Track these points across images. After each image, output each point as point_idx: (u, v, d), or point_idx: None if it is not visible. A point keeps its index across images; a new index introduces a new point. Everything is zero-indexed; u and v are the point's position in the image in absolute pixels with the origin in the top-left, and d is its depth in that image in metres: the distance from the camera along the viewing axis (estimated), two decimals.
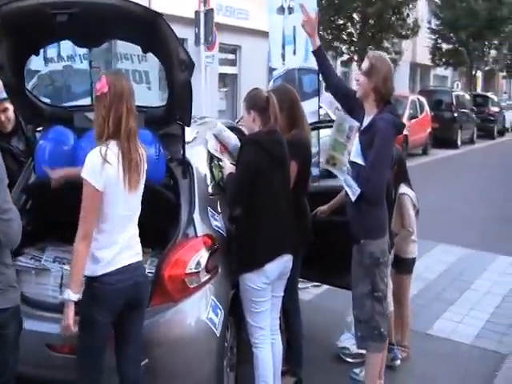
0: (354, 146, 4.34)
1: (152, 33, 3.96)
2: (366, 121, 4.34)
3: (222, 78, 21.76)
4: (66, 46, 5.45)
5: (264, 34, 22.64)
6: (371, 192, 4.26)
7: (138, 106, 3.75)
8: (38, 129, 4.88)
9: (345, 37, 22.69)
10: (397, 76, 29.61)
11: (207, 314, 4.01)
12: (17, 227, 3.16)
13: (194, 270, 4.00)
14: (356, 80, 4.38)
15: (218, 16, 19.05)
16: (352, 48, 22.67)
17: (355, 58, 22.78)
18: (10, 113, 4.85)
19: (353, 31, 22.54)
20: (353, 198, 4.31)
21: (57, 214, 4.44)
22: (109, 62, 8.37)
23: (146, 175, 3.65)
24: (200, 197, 4.39)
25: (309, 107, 7.19)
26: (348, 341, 5.64)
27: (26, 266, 4.29)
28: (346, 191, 4.47)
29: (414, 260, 5.54)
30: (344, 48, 22.79)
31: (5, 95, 4.80)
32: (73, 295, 3.44)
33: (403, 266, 5.43)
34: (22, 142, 4.97)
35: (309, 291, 6.93)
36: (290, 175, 4.52)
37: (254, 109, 4.35)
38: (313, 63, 6.71)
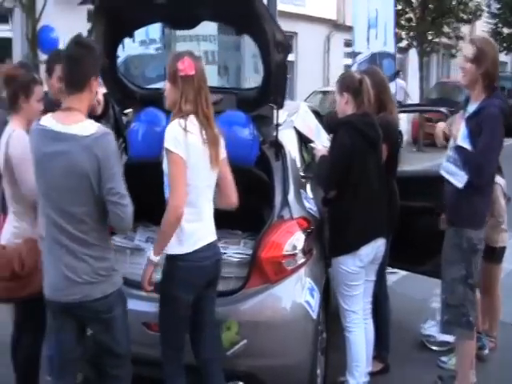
0: (461, 131, 4.28)
1: (248, 14, 3.99)
2: (473, 106, 4.28)
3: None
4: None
5: (320, 21, 22.78)
6: (481, 178, 4.22)
7: (230, 88, 3.78)
8: (126, 111, 4.97)
9: (403, 22, 22.37)
10: (455, 62, 29.21)
11: (304, 297, 4.04)
12: (131, 211, 3.27)
13: (290, 252, 4.03)
14: (462, 68, 4.30)
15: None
16: (411, 33, 22.29)
17: (414, 43, 22.42)
18: (100, 95, 4.91)
19: (412, 16, 22.16)
20: (460, 185, 4.24)
21: (147, 195, 4.51)
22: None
23: (223, 156, 3.69)
24: (293, 179, 4.41)
25: None
26: (432, 328, 5.61)
27: (121, 246, 4.38)
28: (446, 179, 4.40)
29: (503, 249, 5.44)
30: (403, 33, 22.45)
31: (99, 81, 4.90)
32: (154, 257, 3.55)
33: (493, 255, 5.34)
34: (110, 124, 5.03)
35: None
36: (382, 158, 4.51)
37: (347, 91, 4.35)
38: (391, 47, 6.68)
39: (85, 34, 3.73)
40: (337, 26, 23.66)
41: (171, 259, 3.60)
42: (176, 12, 4.18)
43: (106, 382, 3.56)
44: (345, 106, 4.38)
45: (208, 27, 4.89)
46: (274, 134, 4.42)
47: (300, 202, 4.36)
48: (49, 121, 3.28)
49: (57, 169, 3.20)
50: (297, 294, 4.03)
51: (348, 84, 4.38)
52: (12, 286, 3.82)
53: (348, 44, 25.26)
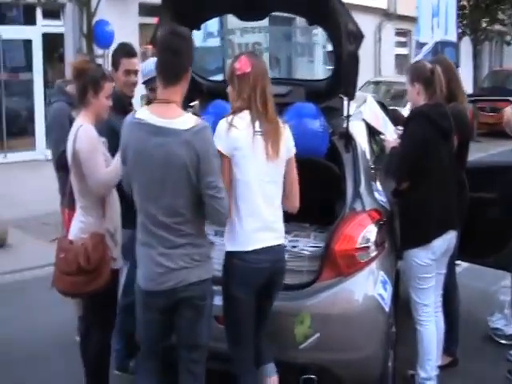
0: None
1: (321, 4, 3.97)
2: None
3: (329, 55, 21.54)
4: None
5: (371, 10, 22.50)
6: None
7: (299, 80, 3.76)
8: (191, 104, 4.99)
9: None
10: (508, 50, 28.64)
11: (377, 290, 4.01)
12: (227, 206, 3.30)
13: (364, 245, 4.01)
14: None
15: None
16: (464, 21, 21.95)
17: (467, 31, 22.07)
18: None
19: (465, 3, 21.80)
20: None
21: None
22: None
23: (289, 152, 3.62)
24: (364, 171, 4.38)
25: None
26: (499, 321, 5.54)
27: None
28: None
29: None
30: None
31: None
32: None
33: None
34: None
35: None
36: (453, 149, 4.45)
37: (418, 81, 4.31)
38: (452, 36, 6.56)
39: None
40: (388, 15, 23.45)
41: (228, 256, 3.59)
42: (245, 3, 4.17)
43: (181, 376, 3.54)
44: (416, 97, 4.35)
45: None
46: (344, 125, 4.41)
47: (371, 193, 4.34)
48: (145, 114, 3.27)
49: (156, 162, 3.21)
50: (370, 286, 4.01)
51: (419, 74, 4.34)
52: (78, 281, 3.85)
53: (399, 33, 25.02)
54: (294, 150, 3.63)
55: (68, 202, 4.46)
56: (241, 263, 3.52)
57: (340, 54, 4.16)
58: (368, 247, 4.02)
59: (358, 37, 4.00)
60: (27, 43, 13.40)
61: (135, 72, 4.72)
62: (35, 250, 8.08)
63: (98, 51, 9.12)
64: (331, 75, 4.45)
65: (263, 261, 3.52)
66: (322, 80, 4.61)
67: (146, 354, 3.58)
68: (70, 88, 5.05)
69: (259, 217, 3.51)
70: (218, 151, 3.40)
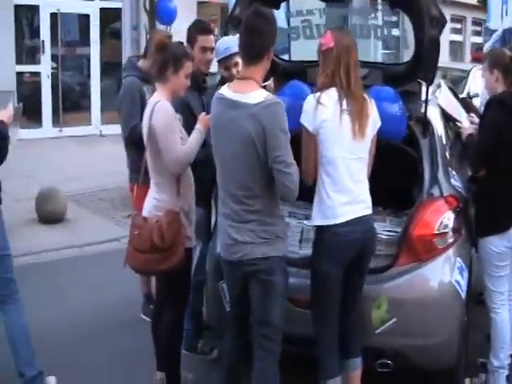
0: None
1: None
2: None
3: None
4: None
5: None
6: None
7: (376, 63, 3.75)
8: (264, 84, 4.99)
9: None
10: None
11: (454, 276, 3.99)
12: (297, 180, 3.33)
13: (442, 231, 3.99)
14: None
15: None
16: None
17: None
18: (240, 67, 4.97)
19: None
20: None
21: None
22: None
23: (375, 128, 3.68)
24: (441, 156, 4.35)
25: None
26: None
27: None
28: None
29: None
30: None
31: (237, 49, 4.94)
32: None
33: None
34: None
35: None
36: None
37: (497, 68, 4.27)
38: None
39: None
40: (444, 1, 23.01)
41: (317, 231, 3.67)
42: None
43: (255, 355, 3.61)
44: (495, 84, 4.31)
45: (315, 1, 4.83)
46: (421, 110, 4.37)
47: (448, 179, 4.30)
48: (226, 90, 3.45)
49: (228, 136, 3.38)
50: (447, 273, 3.99)
51: (498, 61, 4.30)
52: (151, 259, 3.88)
53: (454, 19, 24.53)
54: (378, 125, 3.69)
55: (143, 178, 4.56)
56: (332, 236, 3.58)
57: (422, 39, 4.12)
58: (446, 233, 4.00)
59: (440, 22, 3.96)
60: (84, 18, 13.54)
61: (211, 49, 4.73)
62: (93, 226, 8.25)
63: (160, 27, 9.12)
64: (411, 59, 4.41)
65: (354, 232, 3.58)
66: (400, 64, 4.57)
67: (232, 320, 3.78)
68: (142, 63, 5.17)
69: (346, 191, 3.58)
70: (304, 127, 3.51)
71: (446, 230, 4.01)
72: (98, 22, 13.55)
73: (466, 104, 5.45)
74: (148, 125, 3.90)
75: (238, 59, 4.91)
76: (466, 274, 4.07)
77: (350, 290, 3.74)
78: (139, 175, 4.99)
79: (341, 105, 3.51)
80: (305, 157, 3.59)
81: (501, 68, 4.25)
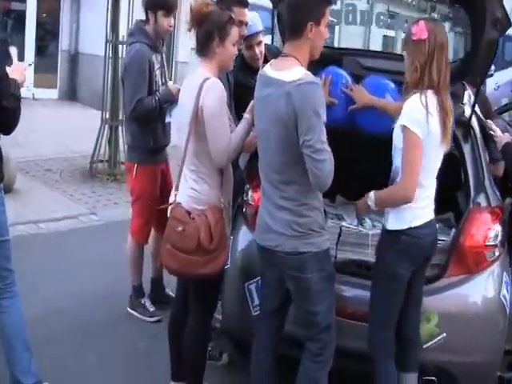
0: None
1: None
2: None
3: None
4: None
5: None
6: None
7: None
8: None
9: None
10: None
11: (502, 291, 3.91)
12: (329, 169, 3.12)
13: (492, 243, 3.89)
14: None
15: None
16: None
17: None
18: (263, 47, 4.71)
19: None
20: None
21: None
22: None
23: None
24: (486, 163, 4.25)
25: (507, 76, 6.91)
26: None
27: None
28: None
29: None
30: None
31: (261, 27, 4.68)
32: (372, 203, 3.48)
33: None
34: None
35: None
36: None
37: None
38: None
39: None
40: None
41: (391, 233, 3.52)
42: None
43: (304, 358, 3.46)
44: None
45: None
46: (465, 113, 4.25)
47: (493, 188, 4.21)
48: (267, 67, 3.33)
49: (264, 113, 3.25)
50: (496, 287, 3.90)
51: None
52: (194, 261, 3.52)
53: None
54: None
55: (145, 156, 4.64)
56: (406, 238, 3.46)
57: (479, 40, 3.97)
58: (495, 245, 3.91)
59: (504, 24, 3.82)
60: None
61: (246, 24, 4.43)
62: (47, 200, 7.75)
63: None
64: (462, 60, 4.28)
65: (425, 235, 3.50)
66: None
67: (262, 315, 3.64)
68: (150, 29, 4.77)
69: (428, 196, 3.52)
70: (414, 134, 3.29)
71: (495, 243, 3.91)
72: None
73: (487, 110, 5.38)
74: (195, 104, 3.51)
75: (262, 38, 4.67)
76: (510, 289, 3.99)
77: (411, 290, 3.61)
78: (140, 154, 4.72)
79: (437, 109, 3.34)
80: (410, 170, 3.33)
81: None
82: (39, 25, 13.04)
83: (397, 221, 3.49)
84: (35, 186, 8.18)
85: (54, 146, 9.28)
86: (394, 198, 3.45)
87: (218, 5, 4.00)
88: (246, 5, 4.45)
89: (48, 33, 13.41)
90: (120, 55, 8.60)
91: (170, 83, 4.85)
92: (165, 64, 4.94)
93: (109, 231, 6.90)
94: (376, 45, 21.23)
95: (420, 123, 3.30)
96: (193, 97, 3.53)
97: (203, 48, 3.63)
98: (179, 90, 4.42)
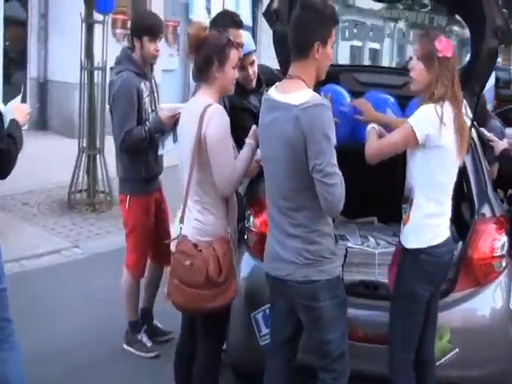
0: None
1: None
2: None
3: None
4: None
5: None
6: None
7: None
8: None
9: None
10: None
11: (511, 300, 3.87)
12: (340, 193, 3.04)
13: (499, 254, 3.84)
14: None
15: None
16: None
17: None
18: (256, 67, 4.58)
19: None
20: None
21: None
22: None
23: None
24: (487, 173, 4.20)
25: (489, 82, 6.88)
26: None
27: None
28: None
29: None
30: None
31: (253, 47, 4.56)
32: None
33: None
34: (258, 99, 4.68)
35: None
36: None
37: None
38: None
39: None
40: None
41: (411, 252, 3.47)
42: None
43: None
44: None
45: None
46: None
47: (496, 197, 4.17)
48: (272, 90, 3.23)
49: (270, 139, 3.15)
50: (505, 298, 3.86)
51: None
52: (203, 295, 3.41)
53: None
54: None
55: (137, 186, 4.48)
56: (426, 257, 3.42)
57: (479, 49, 3.93)
58: (503, 256, 3.87)
59: (505, 32, 3.78)
60: None
61: (242, 46, 4.25)
62: (26, 235, 7.55)
63: (98, 17, 8.51)
64: (461, 69, 4.21)
65: (444, 253, 3.47)
66: None
67: (272, 347, 3.52)
68: (137, 56, 4.62)
69: (446, 213, 3.49)
70: (413, 133, 3.31)
71: (502, 253, 3.87)
72: (2, 5, 12.52)
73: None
74: (198, 132, 3.40)
75: (255, 57, 4.56)
76: None
77: (427, 311, 3.55)
78: (132, 184, 4.61)
79: (454, 122, 3.34)
80: (389, 142, 3.44)
81: None
82: (6, 53, 12.81)
83: (416, 239, 3.44)
84: (13, 221, 7.94)
85: (28, 178, 9.03)
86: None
87: (212, 27, 3.92)
88: (241, 25, 4.33)
89: (15, 61, 13.17)
90: (96, 81, 8.44)
91: (162, 108, 4.67)
92: (155, 90, 4.79)
93: (94, 264, 6.73)
94: (344, 56, 21.41)
95: (434, 131, 3.29)
96: (194, 125, 3.42)
97: (202, 73, 3.53)
98: (170, 117, 4.35)
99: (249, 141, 3.52)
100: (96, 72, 8.45)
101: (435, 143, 3.30)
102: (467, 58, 4.30)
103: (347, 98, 4.14)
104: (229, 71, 3.52)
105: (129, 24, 14.20)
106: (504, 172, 4.41)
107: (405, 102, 3.97)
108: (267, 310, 3.72)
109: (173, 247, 3.60)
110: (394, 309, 3.51)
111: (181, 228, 3.53)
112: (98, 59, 8.44)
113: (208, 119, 3.38)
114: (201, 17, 7.22)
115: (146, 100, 4.62)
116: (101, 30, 8.45)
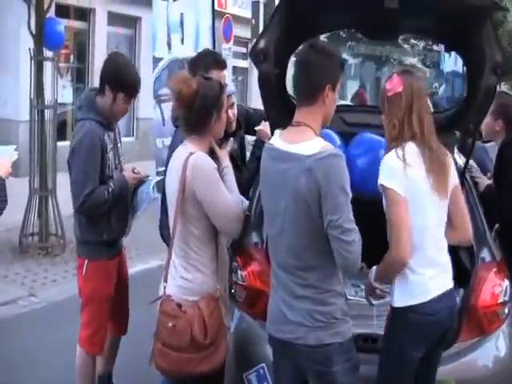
0: None
1: (467, 31, 3.67)
2: None
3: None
4: None
5: None
6: None
7: None
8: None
9: None
10: None
11: None
12: (358, 251, 2.86)
13: (503, 300, 3.72)
14: None
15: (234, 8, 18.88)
16: None
17: None
18: (235, 109, 4.40)
19: None
20: None
21: None
22: None
23: (453, 178, 3.26)
24: (483, 213, 4.09)
25: None
26: None
27: None
28: None
29: None
30: None
31: (233, 88, 4.40)
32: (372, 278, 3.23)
33: None
34: (236, 142, 4.50)
35: None
36: None
37: (502, 118, 4.36)
38: None
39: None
40: None
41: (397, 311, 3.22)
42: (371, 19, 3.79)
43: None
44: (495, 131, 4.56)
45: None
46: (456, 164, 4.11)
47: (493, 240, 4.07)
48: (276, 139, 3.05)
49: (276, 192, 2.95)
50: (509, 345, 3.74)
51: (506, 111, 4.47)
52: (189, 358, 3.23)
53: None
54: (456, 178, 3.30)
55: (99, 250, 4.05)
56: (415, 316, 3.15)
57: (476, 87, 3.84)
58: (506, 302, 3.75)
59: (503, 70, 3.72)
60: None
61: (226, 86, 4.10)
62: None
63: (47, 53, 8.27)
64: (456, 108, 4.16)
65: (439, 309, 3.17)
66: (438, 112, 4.28)
67: None
68: (104, 104, 4.07)
69: (434, 263, 3.19)
70: (393, 192, 3.05)
71: (506, 299, 3.75)
72: None
73: None
74: (181, 186, 3.24)
75: (234, 100, 4.41)
76: None
77: (424, 373, 3.33)
78: (91, 249, 4.16)
79: (424, 162, 3.11)
80: (397, 230, 3.04)
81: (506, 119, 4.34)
82: None
83: (402, 296, 3.19)
84: None
85: None
86: (389, 264, 3.12)
87: (192, 68, 3.74)
88: (224, 66, 4.19)
89: None
90: (46, 118, 8.17)
91: (127, 169, 4.26)
92: (118, 141, 4.26)
93: (52, 314, 6.40)
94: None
95: (397, 177, 3.06)
96: (176, 177, 3.28)
97: (199, 127, 3.36)
98: (135, 178, 4.14)
99: (224, 164, 3.45)
100: (47, 110, 8.17)
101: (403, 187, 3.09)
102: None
103: (337, 141, 4.03)
104: (223, 117, 3.42)
105: (71, 58, 14.28)
106: (488, 207, 4.31)
107: None
108: (261, 370, 3.54)
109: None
110: (381, 368, 3.28)
111: (164, 287, 3.33)
112: (47, 96, 8.18)
113: (191, 172, 3.23)
114: (163, 53, 6.96)
115: (110, 155, 4.09)
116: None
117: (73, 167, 4.01)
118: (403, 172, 3.05)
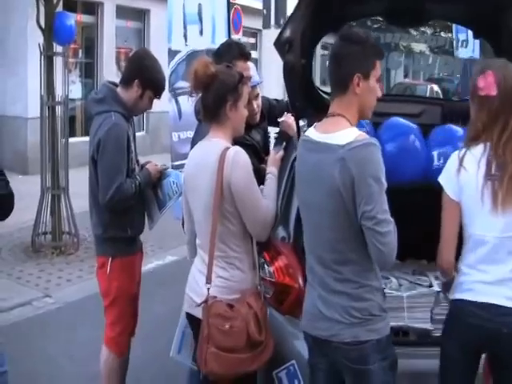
0: None
1: (499, 15, 3.55)
2: None
3: None
4: None
5: None
6: None
7: (435, 99, 3.34)
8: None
9: None
10: None
11: None
12: (394, 242, 2.76)
13: None
14: None
15: None
16: None
17: None
18: (260, 100, 4.30)
19: None
20: None
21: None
22: None
23: None
24: None
25: None
26: None
27: None
28: None
29: None
30: None
31: (258, 78, 4.29)
32: None
33: None
34: (259, 134, 4.42)
35: None
36: None
37: None
38: None
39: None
40: None
41: (449, 303, 3.19)
42: (399, 6, 3.68)
43: None
44: None
45: None
46: None
47: None
48: (311, 130, 2.98)
49: (312, 185, 2.87)
50: None
51: None
52: (244, 359, 3.16)
53: None
54: None
55: (123, 248, 3.96)
56: (452, 311, 3.11)
57: None
58: None
59: None
60: None
61: (250, 79, 3.97)
62: None
63: (58, 48, 8.20)
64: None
65: (479, 316, 2.96)
66: (464, 100, 4.17)
67: None
68: (124, 93, 4.03)
69: (483, 270, 2.99)
70: (444, 192, 2.98)
71: None
72: None
73: None
74: (218, 182, 3.15)
75: (260, 90, 4.32)
76: None
77: None
78: (115, 245, 4.05)
79: (487, 169, 2.93)
80: (441, 235, 3.01)
81: None
82: None
83: (453, 290, 3.13)
84: None
85: None
86: (437, 266, 3.12)
87: (217, 60, 3.64)
88: (249, 58, 4.07)
89: None
90: (57, 115, 8.10)
91: (151, 163, 4.21)
92: (135, 135, 4.20)
93: (68, 315, 6.35)
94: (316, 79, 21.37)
95: (450, 178, 2.98)
96: (212, 174, 3.18)
97: (214, 114, 3.29)
98: (158, 171, 4.10)
99: (271, 169, 3.40)
100: (58, 107, 8.12)
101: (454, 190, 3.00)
102: None
103: (365, 126, 3.94)
104: (242, 109, 3.33)
105: (80, 53, 14.23)
106: None
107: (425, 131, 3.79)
108: (291, 368, 3.45)
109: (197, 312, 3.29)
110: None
111: (208, 289, 3.23)
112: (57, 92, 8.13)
113: (229, 166, 3.15)
114: (180, 45, 6.88)
115: (132, 147, 4.05)
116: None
117: (100, 162, 3.89)
118: (456, 173, 2.96)
